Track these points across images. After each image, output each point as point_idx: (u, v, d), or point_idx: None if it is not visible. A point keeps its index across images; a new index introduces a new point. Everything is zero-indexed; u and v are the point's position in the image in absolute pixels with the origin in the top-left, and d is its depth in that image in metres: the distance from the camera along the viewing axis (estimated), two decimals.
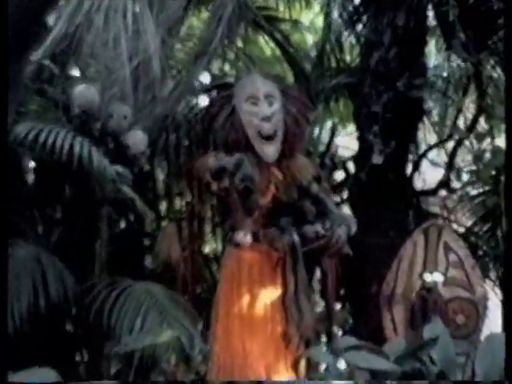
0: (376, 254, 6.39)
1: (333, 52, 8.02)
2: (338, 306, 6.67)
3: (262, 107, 5.30)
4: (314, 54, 8.32)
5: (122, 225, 6.15)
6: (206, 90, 5.95)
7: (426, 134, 8.10)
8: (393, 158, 6.47)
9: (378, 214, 6.48)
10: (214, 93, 5.72)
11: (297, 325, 5.07)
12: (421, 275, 6.00)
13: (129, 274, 5.57)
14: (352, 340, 4.91)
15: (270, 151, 5.27)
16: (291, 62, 7.69)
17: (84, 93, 5.52)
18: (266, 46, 8.43)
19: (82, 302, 5.06)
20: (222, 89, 5.61)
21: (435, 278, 5.95)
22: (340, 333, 6.65)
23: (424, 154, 7.61)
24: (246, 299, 5.24)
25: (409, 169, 7.14)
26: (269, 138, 5.26)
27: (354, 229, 5.33)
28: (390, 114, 6.44)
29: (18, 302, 4.69)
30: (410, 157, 7.19)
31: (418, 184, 7.67)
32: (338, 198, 7.33)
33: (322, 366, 4.73)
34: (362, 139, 6.74)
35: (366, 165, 6.50)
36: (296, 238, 5.11)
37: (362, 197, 6.62)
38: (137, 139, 5.66)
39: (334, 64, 8.05)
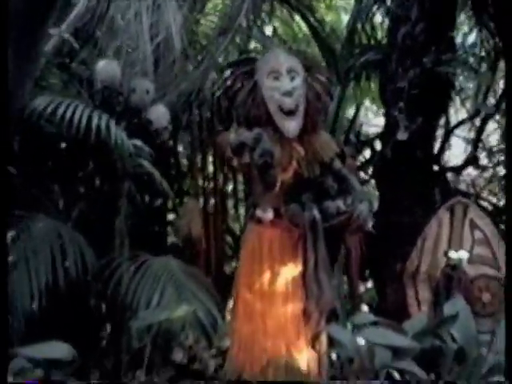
0: (401, 232, 6.33)
1: (364, 29, 7.92)
2: (368, 285, 6.63)
3: (283, 82, 5.22)
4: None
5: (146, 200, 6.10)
6: (229, 65, 5.86)
7: (458, 111, 8.01)
8: (419, 135, 6.36)
9: (404, 191, 6.40)
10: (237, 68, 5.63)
11: (316, 301, 5.03)
12: (446, 253, 5.92)
13: (150, 249, 5.58)
14: (370, 316, 4.88)
15: (291, 126, 5.19)
16: (321, 41, 7.59)
17: (106, 68, 5.50)
18: (297, 27, 8.39)
19: (102, 276, 5.06)
20: (244, 64, 5.52)
21: (460, 255, 5.85)
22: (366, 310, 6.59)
23: (452, 131, 7.48)
24: (266, 276, 5.21)
25: (437, 146, 7.03)
26: (290, 112, 5.18)
27: (375, 205, 5.28)
28: (416, 89, 6.34)
29: (36, 277, 4.71)
30: (439, 133, 7.09)
31: (449, 161, 7.60)
32: (364, 175, 7.27)
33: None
34: (388, 116, 6.65)
35: (391, 141, 6.42)
36: (317, 213, 5.06)
37: (388, 174, 6.53)
38: (159, 114, 5.63)
39: (364, 41, 7.96)
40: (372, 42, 7.98)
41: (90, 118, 4.87)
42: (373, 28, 8.04)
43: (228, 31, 6.22)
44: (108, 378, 5.11)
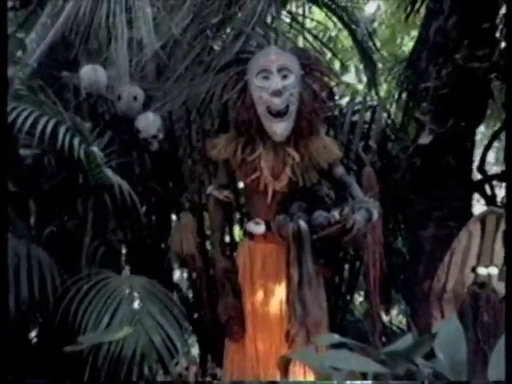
0: (432, 248, 5.72)
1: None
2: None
3: (273, 81, 4.72)
4: None
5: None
6: (222, 67, 5.39)
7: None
8: (451, 139, 5.71)
9: (435, 202, 5.79)
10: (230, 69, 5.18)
11: (300, 323, 4.48)
12: (474, 268, 5.26)
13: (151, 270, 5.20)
14: (335, 337, 4.28)
15: (279, 129, 4.62)
16: (358, 43, 7.10)
17: (89, 74, 5.17)
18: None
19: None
20: (237, 64, 5.03)
21: (490, 271, 5.19)
22: None
23: (497, 135, 6.73)
24: (259, 295, 4.74)
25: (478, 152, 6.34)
26: (278, 114, 4.67)
27: (375, 215, 4.67)
28: (445, 89, 5.70)
29: None
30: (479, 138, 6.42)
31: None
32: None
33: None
34: (416, 119, 6.03)
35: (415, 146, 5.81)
36: (302, 224, 4.50)
37: (416, 183, 5.91)
38: (148, 122, 5.24)
39: None
40: None
41: (35, 123, 4.46)
42: None
43: (242, 34, 5.81)
44: None
